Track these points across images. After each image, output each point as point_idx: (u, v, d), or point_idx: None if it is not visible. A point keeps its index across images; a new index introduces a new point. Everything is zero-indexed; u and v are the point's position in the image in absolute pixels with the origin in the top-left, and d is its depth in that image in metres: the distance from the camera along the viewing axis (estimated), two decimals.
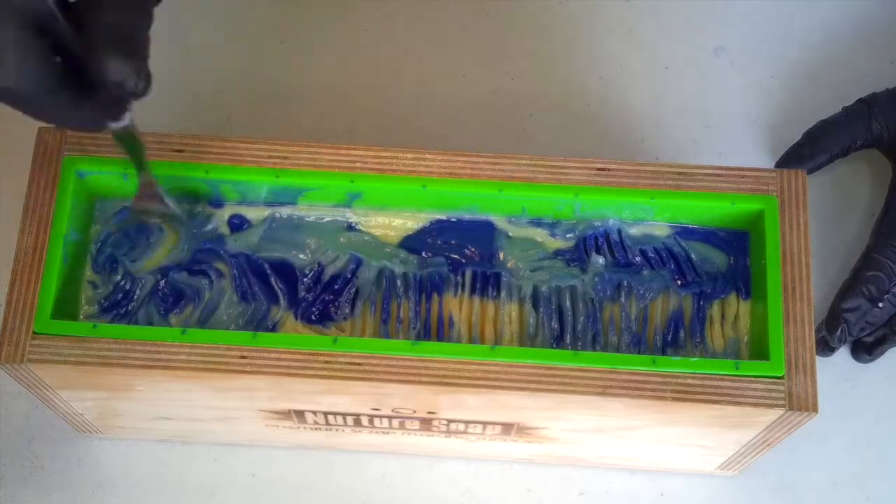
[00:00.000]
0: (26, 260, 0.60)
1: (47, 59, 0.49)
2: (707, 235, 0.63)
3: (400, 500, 0.72)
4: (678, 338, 0.62)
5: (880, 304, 0.72)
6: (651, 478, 0.72)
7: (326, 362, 0.58)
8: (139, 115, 0.80)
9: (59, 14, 0.49)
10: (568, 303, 0.62)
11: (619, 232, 0.63)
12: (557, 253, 0.63)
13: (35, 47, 0.48)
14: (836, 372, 0.74)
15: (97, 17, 0.50)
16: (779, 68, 0.83)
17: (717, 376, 0.58)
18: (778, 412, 0.58)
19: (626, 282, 0.63)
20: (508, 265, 0.63)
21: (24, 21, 0.48)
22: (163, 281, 0.63)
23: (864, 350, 0.74)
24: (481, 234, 0.64)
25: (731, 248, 0.63)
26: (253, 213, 0.64)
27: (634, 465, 0.72)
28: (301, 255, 0.63)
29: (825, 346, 0.72)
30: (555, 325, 0.62)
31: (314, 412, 0.65)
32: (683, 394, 0.58)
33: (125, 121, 0.54)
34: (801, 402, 0.58)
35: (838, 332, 0.71)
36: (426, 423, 0.65)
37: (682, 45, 0.84)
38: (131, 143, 0.58)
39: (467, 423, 0.64)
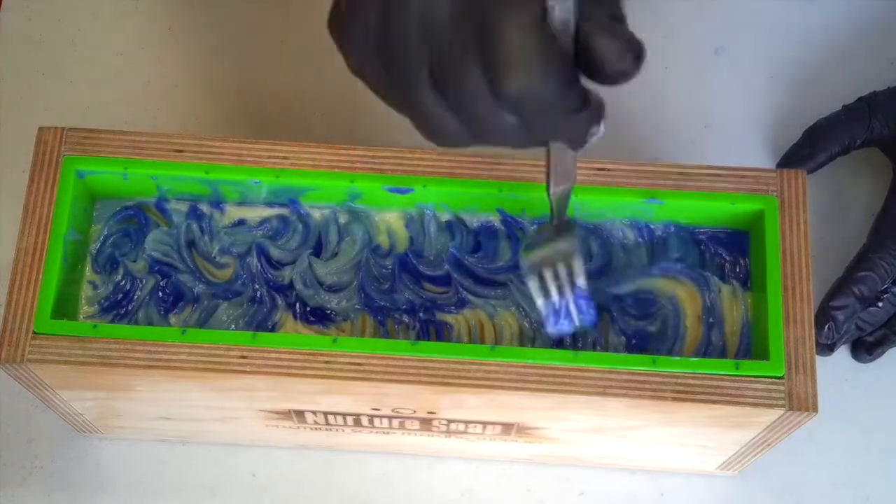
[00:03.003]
0: (26, 260, 0.60)
1: (562, 55, 0.45)
2: (707, 235, 0.63)
3: (400, 500, 0.72)
4: (678, 336, 0.62)
5: (880, 304, 0.72)
6: (651, 478, 0.72)
7: (326, 362, 0.58)
8: (136, 114, 0.81)
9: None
10: None
11: (620, 232, 0.63)
12: None
13: (552, 45, 0.44)
14: (836, 372, 0.74)
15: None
16: (779, 68, 0.83)
17: (717, 376, 0.58)
18: (778, 412, 0.58)
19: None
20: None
21: (543, 20, 0.44)
22: (163, 281, 0.63)
23: (864, 350, 0.74)
24: (482, 234, 0.64)
25: (732, 248, 0.63)
26: (253, 213, 0.64)
27: (634, 465, 0.72)
28: None
29: (821, 346, 0.72)
30: None
31: (314, 412, 0.65)
32: (683, 394, 0.58)
33: (603, 128, 0.49)
34: (801, 402, 0.58)
35: (825, 330, 0.71)
36: (426, 423, 0.65)
37: (682, 45, 0.83)
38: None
39: (467, 423, 0.64)
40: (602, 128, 0.48)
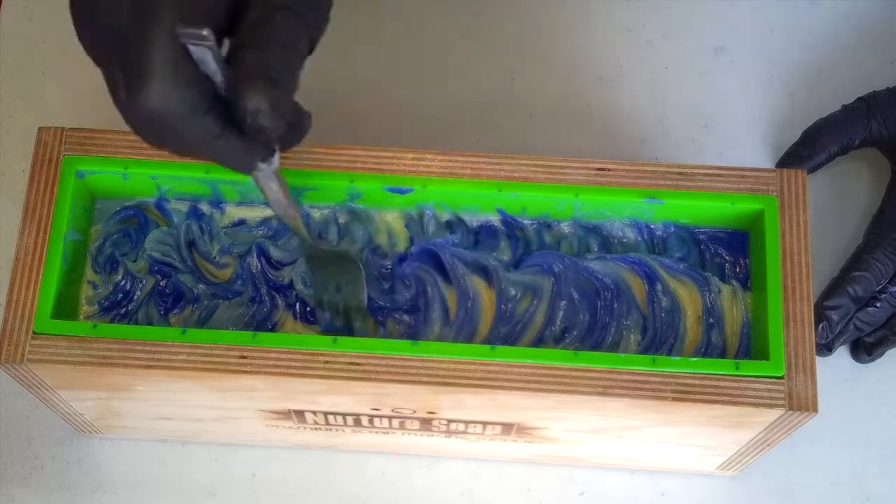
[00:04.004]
0: (26, 260, 0.60)
1: (196, 79, 0.48)
2: (707, 235, 0.63)
3: (400, 500, 0.72)
4: (678, 336, 0.62)
5: (878, 304, 0.72)
6: (651, 478, 0.72)
7: (326, 362, 0.58)
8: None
9: (216, 45, 0.48)
10: None
11: (620, 231, 0.63)
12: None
13: (184, 67, 0.48)
14: (836, 372, 0.74)
15: (249, 53, 0.49)
16: (779, 68, 0.83)
17: (717, 376, 0.58)
18: (778, 412, 0.58)
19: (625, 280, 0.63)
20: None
21: (176, 43, 0.47)
22: (163, 281, 0.63)
23: (864, 350, 0.74)
24: (481, 234, 0.64)
25: (731, 249, 0.63)
26: (253, 213, 0.64)
27: (634, 465, 0.72)
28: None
29: (817, 345, 0.72)
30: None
31: (314, 412, 0.65)
32: (683, 394, 0.58)
33: (274, 163, 0.53)
34: (801, 402, 0.58)
35: (819, 329, 0.71)
36: (426, 423, 0.65)
37: (682, 45, 0.84)
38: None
39: (467, 423, 0.64)
40: (267, 165, 0.52)
